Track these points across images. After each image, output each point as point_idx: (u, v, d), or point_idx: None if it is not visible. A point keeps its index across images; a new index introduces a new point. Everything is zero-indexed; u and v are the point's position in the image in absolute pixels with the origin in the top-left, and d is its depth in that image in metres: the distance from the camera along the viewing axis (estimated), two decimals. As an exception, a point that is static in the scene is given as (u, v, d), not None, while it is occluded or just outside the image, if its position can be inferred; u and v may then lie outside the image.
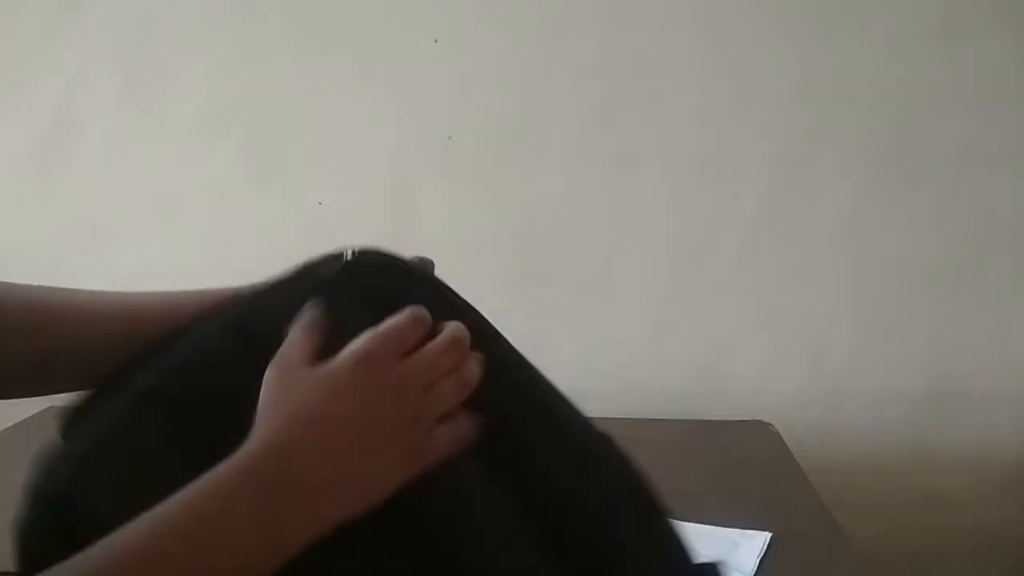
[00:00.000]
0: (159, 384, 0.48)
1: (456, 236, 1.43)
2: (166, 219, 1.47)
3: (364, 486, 0.42)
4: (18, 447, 0.79)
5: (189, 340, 0.50)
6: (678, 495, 1.19)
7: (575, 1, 1.34)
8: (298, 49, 1.39)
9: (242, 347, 0.48)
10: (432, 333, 0.46)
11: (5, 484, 0.50)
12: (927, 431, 1.46)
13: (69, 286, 0.56)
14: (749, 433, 1.36)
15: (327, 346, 0.45)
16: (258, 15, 1.38)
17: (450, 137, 1.40)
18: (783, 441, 1.32)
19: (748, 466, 1.22)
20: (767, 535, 1.00)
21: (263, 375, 0.44)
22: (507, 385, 0.48)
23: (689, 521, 1.05)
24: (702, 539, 1.00)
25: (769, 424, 1.39)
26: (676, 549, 0.49)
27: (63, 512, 0.45)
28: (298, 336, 0.46)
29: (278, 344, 0.46)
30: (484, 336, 0.48)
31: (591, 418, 0.52)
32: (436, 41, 1.37)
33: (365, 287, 0.49)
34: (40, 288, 0.54)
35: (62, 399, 0.52)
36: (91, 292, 0.55)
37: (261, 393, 0.43)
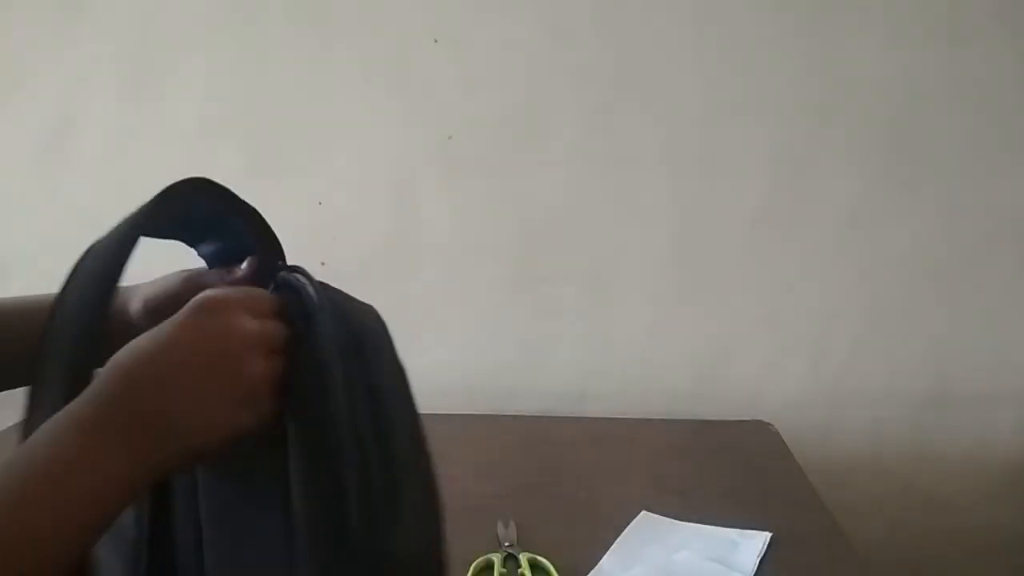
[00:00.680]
0: (75, 360, 0.47)
1: (456, 236, 1.43)
2: (166, 219, 1.47)
3: (200, 421, 0.44)
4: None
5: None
6: (678, 495, 1.20)
7: (575, 1, 1.34)
8: (298, 49, 1.39)
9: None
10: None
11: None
12: (927, 431, 1.46)
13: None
14: (749, 433, 1.36)
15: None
16: (258, 15, 1.38)
17: (450, 137, 1.40)
18: (783, 441, 1.32)
19: (748, 466, 1.23)
20: (767, 535, 1.00)
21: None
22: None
23: (689, 521, 1.05)
24: (702, 539, 1.01)
25: (769, 424, 1.39)
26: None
27: None
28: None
29: None
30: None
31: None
32: (436, 41, 1.37)
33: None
34: None
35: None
36: None
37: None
